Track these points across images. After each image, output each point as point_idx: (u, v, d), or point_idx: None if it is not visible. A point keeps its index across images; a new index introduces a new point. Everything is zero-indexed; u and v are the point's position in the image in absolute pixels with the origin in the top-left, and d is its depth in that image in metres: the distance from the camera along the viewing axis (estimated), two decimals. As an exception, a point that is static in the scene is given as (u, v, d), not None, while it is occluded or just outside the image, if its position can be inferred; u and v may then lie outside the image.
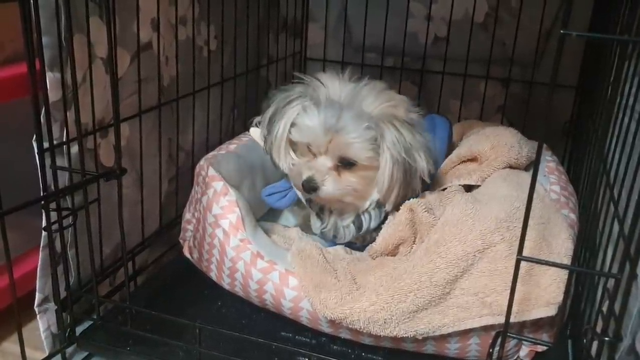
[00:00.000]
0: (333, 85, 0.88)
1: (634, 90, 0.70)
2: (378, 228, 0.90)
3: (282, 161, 0.91)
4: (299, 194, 0.92)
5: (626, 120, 0.71)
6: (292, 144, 0.90)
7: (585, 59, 1.28)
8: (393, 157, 0.84)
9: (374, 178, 0.87)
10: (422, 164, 0.85)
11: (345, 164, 0.86)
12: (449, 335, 0.75)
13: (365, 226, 0.91)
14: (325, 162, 0.86)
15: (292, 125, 0.88)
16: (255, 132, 1.00)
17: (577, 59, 1.28)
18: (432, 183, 0.95)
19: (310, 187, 0.86)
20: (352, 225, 0.92)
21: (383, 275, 0.78)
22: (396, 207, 0.88)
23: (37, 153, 0.70)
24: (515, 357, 0.78)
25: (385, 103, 0.86)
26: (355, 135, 0.83)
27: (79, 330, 0.83)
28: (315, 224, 0.95)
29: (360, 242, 0.94)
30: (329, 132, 0.84)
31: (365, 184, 0.87)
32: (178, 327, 0.80)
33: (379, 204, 0.89)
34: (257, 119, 1.02)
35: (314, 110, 0.86)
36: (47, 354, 0.79)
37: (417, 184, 0.87)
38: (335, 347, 0.82)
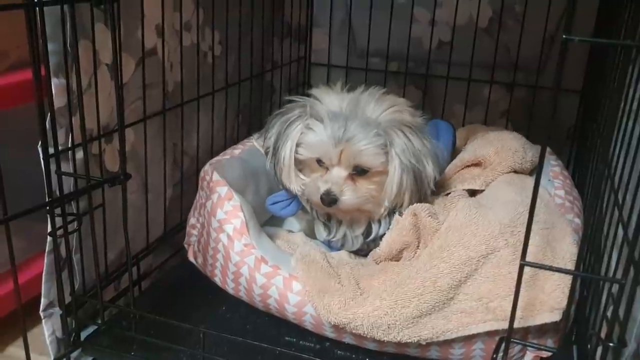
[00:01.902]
0: (330, 99, 0.88)
1: (638, 94, 0.70)
2: (383, 234, 0.90)
3: (294, 183, 0.90)
4: (307, 206, 0.92)
5: (630, 124, 0.71)
6: (298, 164, 0.90)
7: (590, 64, 1.27)
8: (402, 164, 0.84)
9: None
10: (429, 170, 0.86)
11: (359, 171, 0.86)
12: (453, 340, 0.75)
13: (373, 234, 0.91)
14: (339, 173, 0.86)
15: (298, 145, 0.88)
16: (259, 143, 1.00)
17: (582, 64, 1.28)
18: (437, 187, 0.95)
19: (330, 199, 0.85)
20: (361, 235, 0.92)
21: (387, 280, 0.78)
22: None
23: (42, 159, 0.71)
24: (519, 363, 0.78)
25: (390, 108, 0.86)
26: (365, 142, 0.83)
27: (83, 335, 0.83)
28: (321, 233, 0.95)
29: (365, 249, 0.93)
30: (339, 143, 0.84)
31: (380, 190, 0.87)
32: (182, 332, 0.80)
33: (391, 211, 0.89)
34: (256, 136, 1.02)
35: (319, 125, 0.85)
36: (52, 358, 0.80)
37: (427, 189, 0.87)
38: (339, 352, 0.82)
